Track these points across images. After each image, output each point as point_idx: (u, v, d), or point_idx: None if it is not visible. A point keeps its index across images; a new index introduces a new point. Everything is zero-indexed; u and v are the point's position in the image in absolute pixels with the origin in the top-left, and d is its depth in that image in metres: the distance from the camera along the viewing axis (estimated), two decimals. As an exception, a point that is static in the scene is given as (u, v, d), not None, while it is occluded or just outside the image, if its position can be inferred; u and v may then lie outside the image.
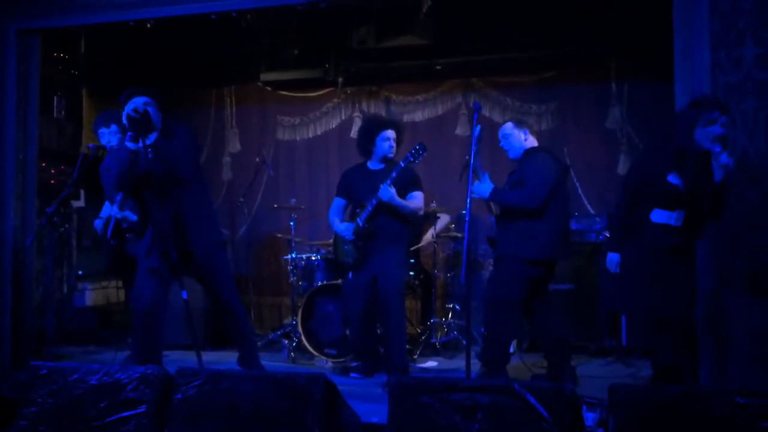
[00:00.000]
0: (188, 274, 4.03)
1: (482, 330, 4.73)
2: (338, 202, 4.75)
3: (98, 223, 4.73)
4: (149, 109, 3.76)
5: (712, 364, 3.60)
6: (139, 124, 3.62)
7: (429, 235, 5.82)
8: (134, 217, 4.51)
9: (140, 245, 4.06)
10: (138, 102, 3.77)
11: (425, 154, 4.37)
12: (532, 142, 4.27)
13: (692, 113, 3.42)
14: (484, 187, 4.13)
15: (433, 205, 5.66)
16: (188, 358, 5.26)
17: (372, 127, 4.64)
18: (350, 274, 4.68)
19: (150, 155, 3.67)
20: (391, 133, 4.55)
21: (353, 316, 4.66)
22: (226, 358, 5.06)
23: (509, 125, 4.31)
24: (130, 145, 3.67)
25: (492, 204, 4.36)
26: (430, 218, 5.73)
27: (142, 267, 3.95)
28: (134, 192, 3.91)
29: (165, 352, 5.33)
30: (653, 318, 3.56)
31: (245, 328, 4.27)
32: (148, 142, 3.72)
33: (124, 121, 3.66)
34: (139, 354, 3.92)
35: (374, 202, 4.39)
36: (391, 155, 4.56)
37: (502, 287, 4.13)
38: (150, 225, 3.87)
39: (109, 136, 4.71)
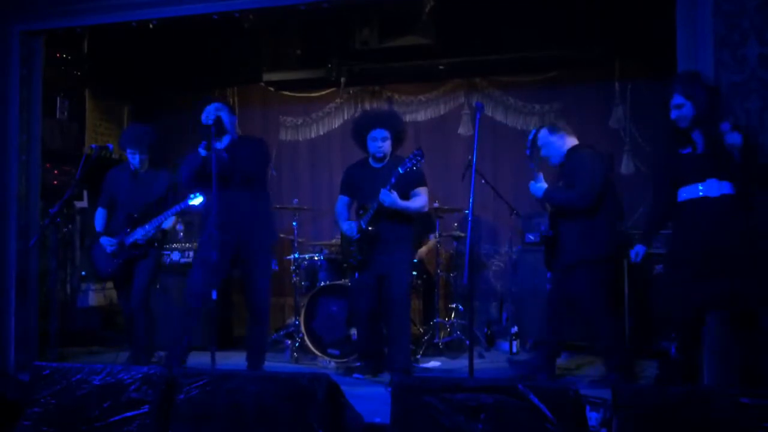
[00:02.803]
0: (235, 270, 4.40)
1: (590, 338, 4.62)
2: (342, 199, 4.73)
3: (108, 241, 4.70)
4: (221, 114, 4.16)
5: (716, 362, 3.59)
6: (210, 131, 4.02)
7: (424, 249, 5.83)
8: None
9: (201, 238, 4.41)
10: (209, 109, 4.17)
11: (423, 160, 4.30)
12: (572, 141, 4.33)
13: None
14: (537, 187, 4.24)
15: (436, 205, 5.66)
16: (191, 358, 5.27)
17: (361, 126, 4.60)
18: (356, 275, 4.67)
19: (224, 155, 4.11)
20: (378, 133, 4.47)
21: (359, 316, 4.66)
22: (231, 359, 5.07)
23: (544, 133, 4.35)
24: (201, 152, 4.08)
25: (547, 205, 4.42)
26: (430, 228, 5.75)
27: (197, 258, 4.30)
28: (201, 186, 4.23)
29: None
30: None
31: (263, 336, 4.47)
32: (223, 144, 4.19)
33: (200, 129, 4.10)
34: (182, 336, 4.26)
35: (375, 205, 4.37)
36: (380, 155, 4.50)
37: (598, 295, 4.15)
38: (212, 219, 4.02)
39: (129, 158, 4.77)
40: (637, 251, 3.85)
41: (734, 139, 3.24)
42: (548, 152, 4.33)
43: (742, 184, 3.35)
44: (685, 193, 3.48)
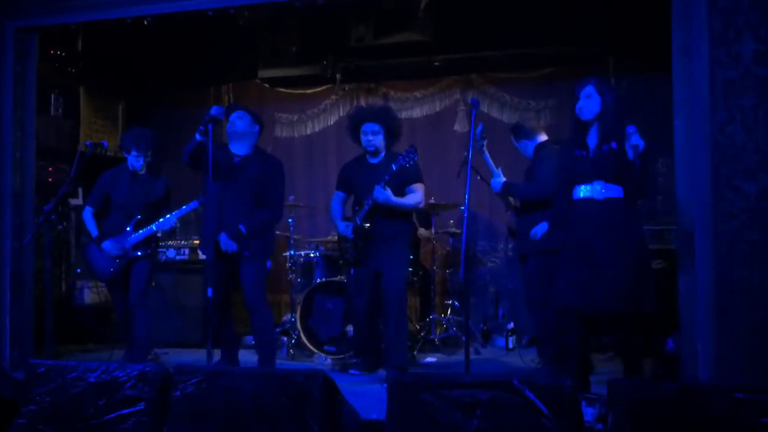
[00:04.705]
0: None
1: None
2: (338, 195, 4.74)
3: (112, 245, 4.68)
4: (240, 121, 4.37)
5: (712, 359, 3.60)
6: (209, 119, 4.07)
7: (425, 232, 5.84)
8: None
9: (204, 237, 4.47)
10: (233, 115, 4.37)
11: (415, 157, 4.31)
12: (542, 137, 4.59)
13: None
14: (496, 181, 4.43)
15: (432, 201, 5.66)
16: (186, 355, 5.27)
17: (353, 120, 4.61)
18: (352, 271, 4.67)
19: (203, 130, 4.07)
20: (368, 127, 4.47)
21: (356, 312, 4.67)
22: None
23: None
24: (197, 137, 4.16)
25: (511, 198, 4.59)
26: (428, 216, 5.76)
27: (206, 259, 4.41)
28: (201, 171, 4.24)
29: (164, 350, 5.37)
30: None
31: (262, 331, 4.43)
32: (242, 151, 4.38)
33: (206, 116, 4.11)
34: (218, 342, 4.43)
35: (371, 201, 4.36)
36: (371, 148, 4.50)
37: (535, 282, 4.33)
38: (210, 218, 4.14)
39: (131, 159, 4.74)
40: (536, 232, 4.15)
41: (637, 140, 3.34)
42: (522, 145, 4.65)
43: (632, 189, 3.43)
44: (575, 193, 3.57)
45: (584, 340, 3.62)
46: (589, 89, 3.54)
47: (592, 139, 3.59)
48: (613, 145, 3.49)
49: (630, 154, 3.36)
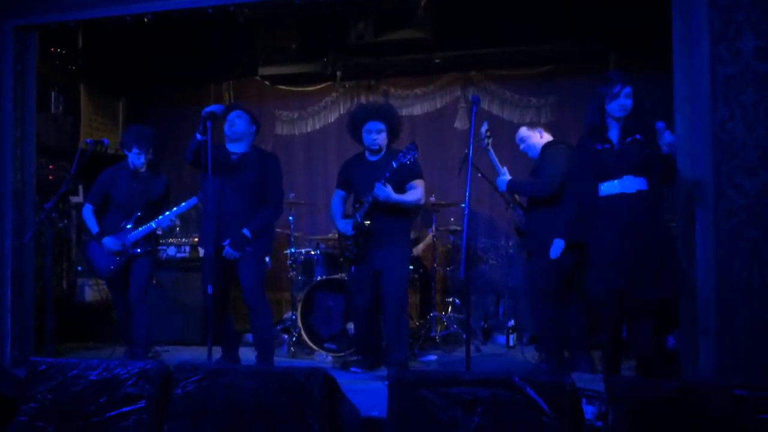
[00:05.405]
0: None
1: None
2: (339, 193, 4.72)
3: (112, 241, 4.67)
4: (239, 120, 4.39)
5: (712, 358, 3.60)
6: (206, 118, 4.07)
7: (421, 246, 5.83)
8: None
9: (203, 235, 4.50)
10: (232, 114, 4.38)
11: (416, 154, 4.29)
12: (547, 137, 4.60)
13: (600, 92, 3.66)
14: (501, 180, 4.47)
15: (432, 199, 5.66)
16: (187, 353, 5.27)
17: (356, 118, 4.56)
18: (353, 269, 4.67)
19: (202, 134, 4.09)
20: (373, 125, 4.43)
21: (356, 310, 4.66)
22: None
23: (523, 129, 4.70)
24: (198, 136, 4.16)
25: (518, 197, 4.63)
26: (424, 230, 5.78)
27: (204, 256, 4.40)
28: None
29: (165, 348, 5.38)
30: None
31: (261, 328, 4.43)
32: (240, 150, 4.40)
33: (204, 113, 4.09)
34: (218, 340, 4.43)
35: (371, 199, 4.35)
36: (375, 147, 4.47)
37: (537, 280, 4.35)
38: (209, 215, 4.17)
39: (132, 157, 4.74)
40: (555, 252, 4.19)
41: (671, 137, 3.41)
42: (527, 147, 4.62)
43: (656, 178, 3.53)
44: (604, 189, 3.59)
45: (619, 329, 3.68)
46: (629, 90, 3.59)
47: (613, 134, 3.62)
48: (638, 137, 3.54)
49: (665, 150, 3.44)
